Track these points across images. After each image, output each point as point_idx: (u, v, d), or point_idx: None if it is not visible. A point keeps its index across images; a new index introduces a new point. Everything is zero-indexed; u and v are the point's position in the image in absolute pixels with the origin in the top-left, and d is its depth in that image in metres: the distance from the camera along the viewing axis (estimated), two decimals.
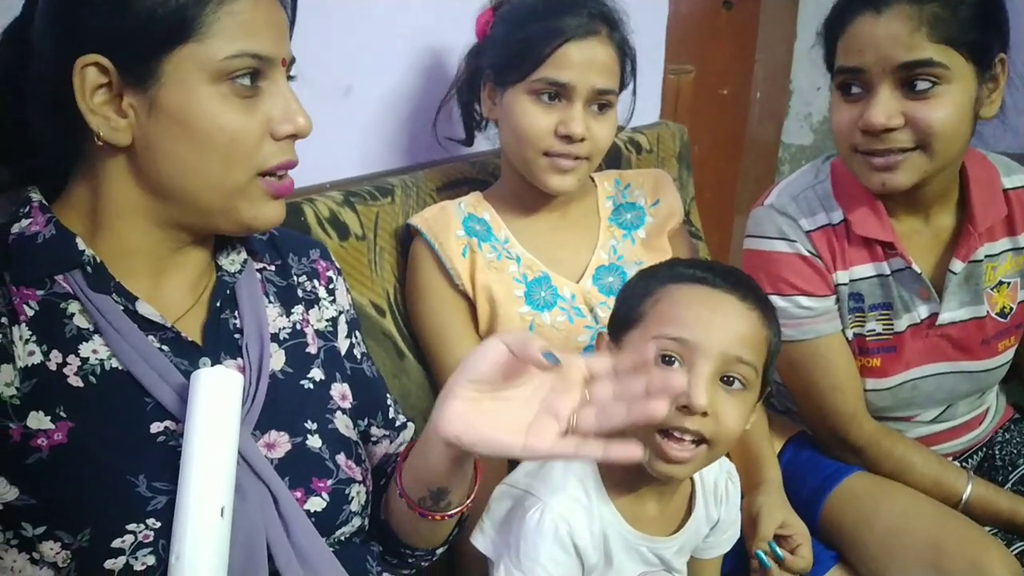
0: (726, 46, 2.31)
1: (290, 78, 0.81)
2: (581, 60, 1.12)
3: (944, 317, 1.16)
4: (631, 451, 0.64)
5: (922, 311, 1.16)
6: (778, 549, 1.04)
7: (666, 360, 0.82)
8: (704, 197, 1.76)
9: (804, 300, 1.14)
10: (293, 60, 0.80)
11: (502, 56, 1.17)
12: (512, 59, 1.15)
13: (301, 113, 0.76)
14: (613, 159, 1.53)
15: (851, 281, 1.15)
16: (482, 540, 0.90)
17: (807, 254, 1.14)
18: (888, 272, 1.15)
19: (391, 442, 0.99)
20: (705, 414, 0.81)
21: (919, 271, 1.13)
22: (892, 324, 1.16)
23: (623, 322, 0.88)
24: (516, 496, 0.89)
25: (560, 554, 0.85)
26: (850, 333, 1.17)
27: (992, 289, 1.17)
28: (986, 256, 1.16)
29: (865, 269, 1.15)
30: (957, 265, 1.13)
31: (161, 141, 0.73)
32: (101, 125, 0.72)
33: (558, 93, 1.13)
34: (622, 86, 1.21)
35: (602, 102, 1.15)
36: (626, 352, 0.84)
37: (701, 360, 0.81)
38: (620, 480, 0.88)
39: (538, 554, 0.84)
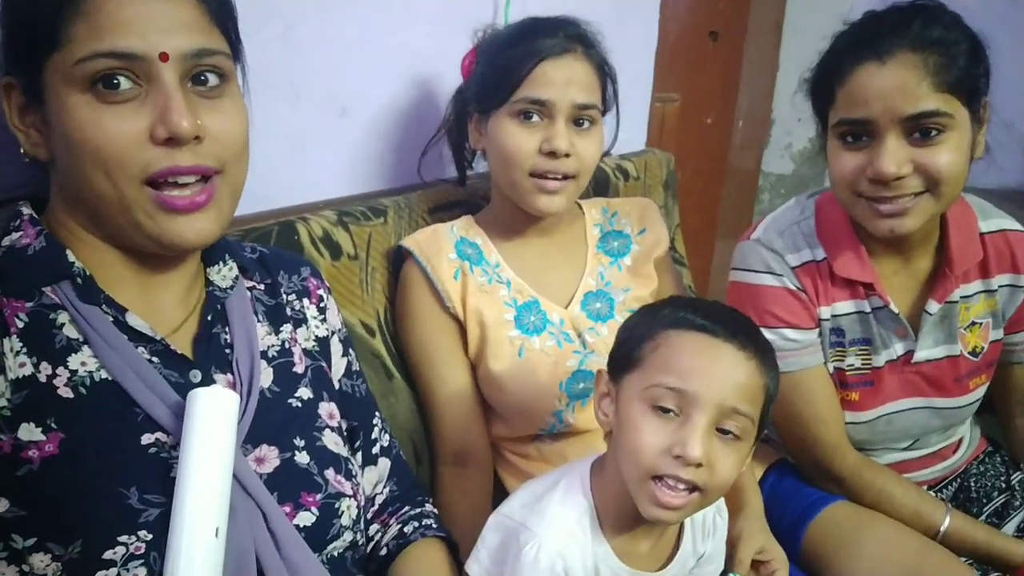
0: (711, 76, 2.35)
1: (212, 71, 0.74)
2: (559, 77, 1.14)
3: (920, 355, 1.18)
4: None
5: (899, 348, 1.19)
6: None
7: (664, 409, 0.82)
8: (687, 223, 1.79)
9: (790, 332, 1.16)
10: (206, 51, 0.73)
11: (484, 83, 1.19)
12: (493, 84, 1.17)
13: (177, 112, 0.70)
14: (601, 186, 1.55)
15: (833, 316, 1.18)
16: (477, 569, 0.90)
17: (793, 288, 1.16)
18: (868, 310, 1.17)
19: (375, 466, 0.99)
20: (700, 464, 0.81)
21: (896, 311, 1.16)
22: (871, 359, 1.19)
23: (623, 363, 0.88)
24: (511, 528, 0.88)
25: None
26: (831, 367, 1.20)
27: (965, 329, 1.20)
28: (961, 297, 1.19)
29: (847, 306, 1.18)
30: (933, 306, 1.16)
31: (58, 156, 0.73)
32: (24, 140, 0.74)
33: (540, 112, 1.15)
34: (605, 106, 1.23)
35: (584, 118, 1.17)
36: (625, 400, 0.85)
37: (698, 412, 0.81)
38: (616, 519, 0.88)
39: None
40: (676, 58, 2.11)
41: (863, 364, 1.19)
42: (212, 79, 0.74)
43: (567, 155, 1.15)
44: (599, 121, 1.20)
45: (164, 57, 0.70)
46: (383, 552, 0.96)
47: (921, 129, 1.02)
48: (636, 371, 0.86)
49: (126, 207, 0.72)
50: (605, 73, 1.21)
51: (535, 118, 1.15)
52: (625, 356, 0.88)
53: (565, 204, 1.19)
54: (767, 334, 1.15)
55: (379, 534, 0.97)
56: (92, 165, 0.71)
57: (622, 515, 0.87)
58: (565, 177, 1.17)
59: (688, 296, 1.12)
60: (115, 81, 0.69)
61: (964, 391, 1.21)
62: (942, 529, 1.13)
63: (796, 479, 1.24)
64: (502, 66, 1.16)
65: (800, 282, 1.16)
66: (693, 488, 0.82)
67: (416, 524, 0.97)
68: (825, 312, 1.17)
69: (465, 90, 1.27)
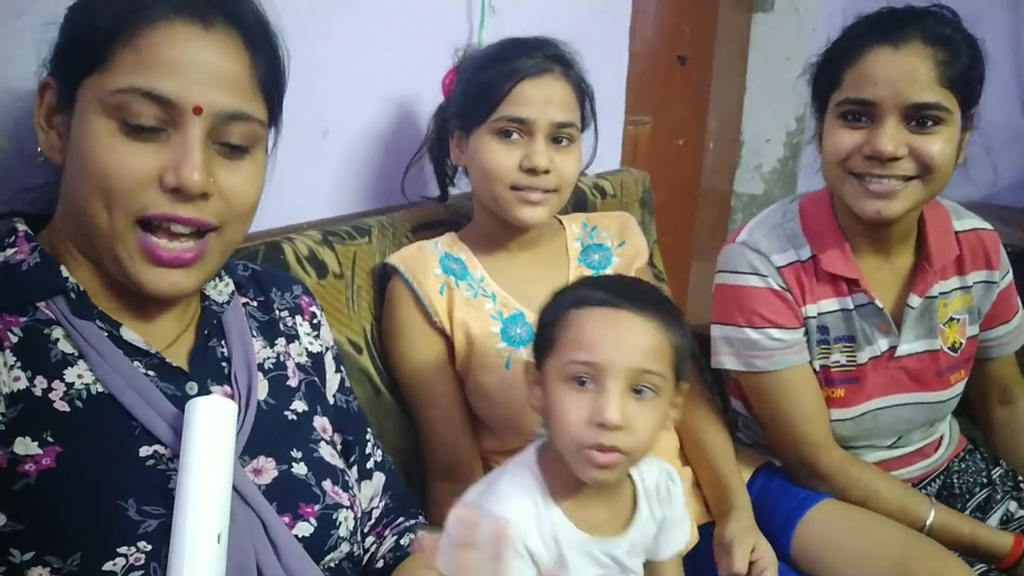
0: (681, 99, 2.40)
1: (230, 145, 0.74)
2: (538, 96, 1.17)
3: (902, 349, 1.21)
4: None
5: (882, 344, 1.22)
6: None
7: (580, 381, 0.88)
8: (662, 243, 1.82)
9: (775, 332, 1.19)
10: (240, 115, 0.73)
11: (465, 102, 1.22)
12: (474, 102, 1.20)
13: (191, 166, 0.70)
14: (579, 203, 1.57)
15: (819, 314, 1.21)
16: (445, 562, 0.90)
17: (778, 288, 1.19)
18: (852, 307, 1.21)
19: (370, 480, 1.00)
20: (620, 427, 0.86)
21: (880, 306, 1.19)
22: (855, 356, 1.21)
23: (542, 348, 0.94)
24: None
25: (514, 560, 0.86)
26: (817, 364, 1.22)
27: (944, 325, 1.23)
28: (939, 293, 1.23)
29: (831, 303, 1.21)
30: (915, 300, 1.19)
31: (68, 167, 0.75)
32: (43, 139, 0.76)
33: (520, 130, 1.17)
34: (584, 124, 1.26)
35: (563, 135, 1.20)
36: (548, 380, 0.91)
37: (610, 379, 0.86)
38: (563, 488, 0.92)
39: None
40: (646, 82, 2.16)
41: (848, 361, 1.21)
42: (239, 143, 0.75)
43: (547, 171, 1.17)
44: (578, 138, 1.23)
45: (197, 111, 0.71)
46: (379, 564, 0.96)
47: (920, 118, 1.07)
48: (553, 353, 0.91)
49: (112, 240, 0.73)
50: (583, 91, 1.24)
51: (515, 136, 1.18)
52: (542, 342, 0.93)
53: (547, 215, 1.22)
54: (753, 334, 1.18)
55: (375, 546, 0.98)
56: (95, 189, 0.71)
57: (568, 483, 0.91)
58: (546, 191, 1.19)
59: (594, 276, 1.15)
60: (146, 120, 0.70)
61: (946, 385, 1.24)
62: (928, 523, 1.15)
63: (784, 480, 1.26)
64: (482, 85, 1.19)
65: (785, 282, 1.19)
66: (619, 451, 0.87)
67: (412, 536, 0.97)
68: (811, 310, 1.20)
69: (446, 108, 1.29)
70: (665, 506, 0.99)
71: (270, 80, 0.78)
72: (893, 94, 1.07)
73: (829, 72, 1.15)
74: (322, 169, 1.33)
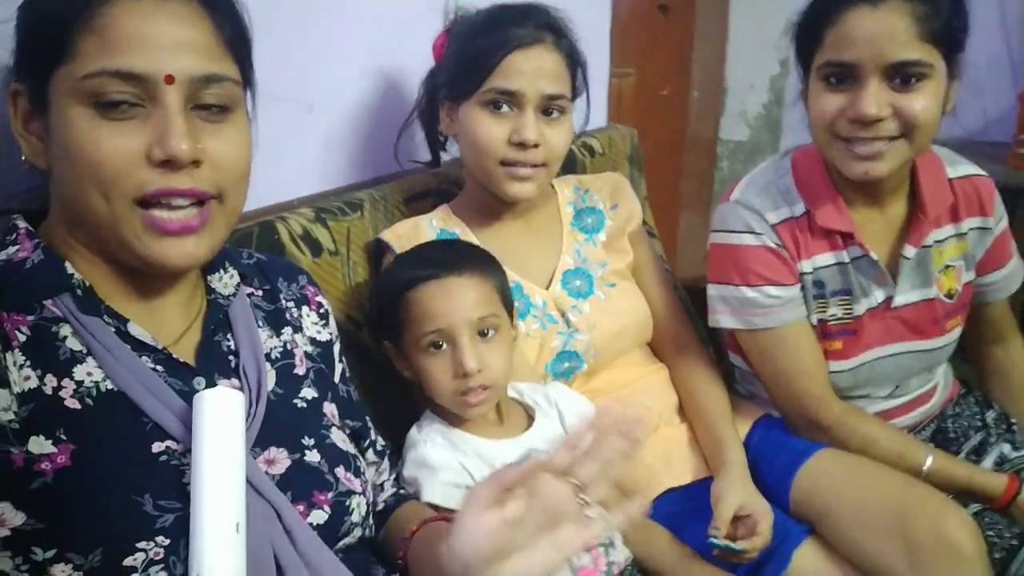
0: (664, 49, 2.37)
1: (210, 109, 0.73)
2: (529, 68, 1.15)
3: (899, 300, 1.22)
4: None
5: (879, 295, 1.23)
6: (733, 545, 1.09)
7: (436, 346, 1.05)
8: (651, 195, 1.82)
9: (772, 290, 1.20)
10: (213, 76, 0.73)
11: (454, 72, 1.20)
12: (463, 73, 1.18)
13: (176, 136, 0.70)
14: (568, 163, 1.56)
15: (814, 269, 1.21)
16: (406, 472, 1.06)
17: (773, 246, 1.19)
18: (847, 260, 1.21)
19: (376, 469, 1.02)
20: (481, 370, 1.03)
21: (876, 258, 1.20)
22: (852, 308, 1.23)
23: (394, 331, 1.09)
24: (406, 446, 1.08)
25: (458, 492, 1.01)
26: (814, 318, 1.23)
27: (940, 272, 1.24)
28: (934, 242, 1.23)
29: (826, 258, 1.21)
30: (910, 251, 1.20)
31: (56, 166, 0.73)
32: (25, 147, 0.75)
33: (509, 102, 1.16)
34: (575, 93, 1.24)
35: (553, 107, 1.18)
36: (410, 354, 1.07)
37: (458, 336, 1.04)
38: (459, 422, 1.09)
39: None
40: (629, 34, 2.13)
41: (844, 314, 1.23)
42: (216, 105, 0.74)
43: (536, 145, 1.16)
44: (568, 110, 1.21)
45: (169, 80, 0.70)
46: (380, 507, 1.00)
47: (902, 76, 1.06)
48: (405, 331, 1.07)
49: (116, 225, 0.72)
50: (575, 61, 1.22)
51: (504, 108, 1.16)
52: (392, 325, 1.09)
53: (536, 190, 1.21)
54: (750, 292, 1.19)
55: (376, 496, 1.01)
56: (87, 180, 0.70)
57: (456, 419, 1.09)
58: (535, 166, 1.18)
59: (410, 251, 1.17)
60: (119, 98, 0.69)
61: (942, 332, 1.26)
62: (925, 469, 1.17)
63: (782, 431, 1.28)
64: (472, 55, 1.17)
65: (780, 239, 1.19)
66: (485, 387, 1.04)
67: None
68: (806, 266, 1.21)
69: (436, 74, 1.27)
70: (559, 405, 1.14)
71: (236, 39, 0.77)
72: (873, 55, 1.06)
73: (810, 33, 1.14)
74: (309, 144, 1.31)
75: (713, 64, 2.62)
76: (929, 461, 1.17)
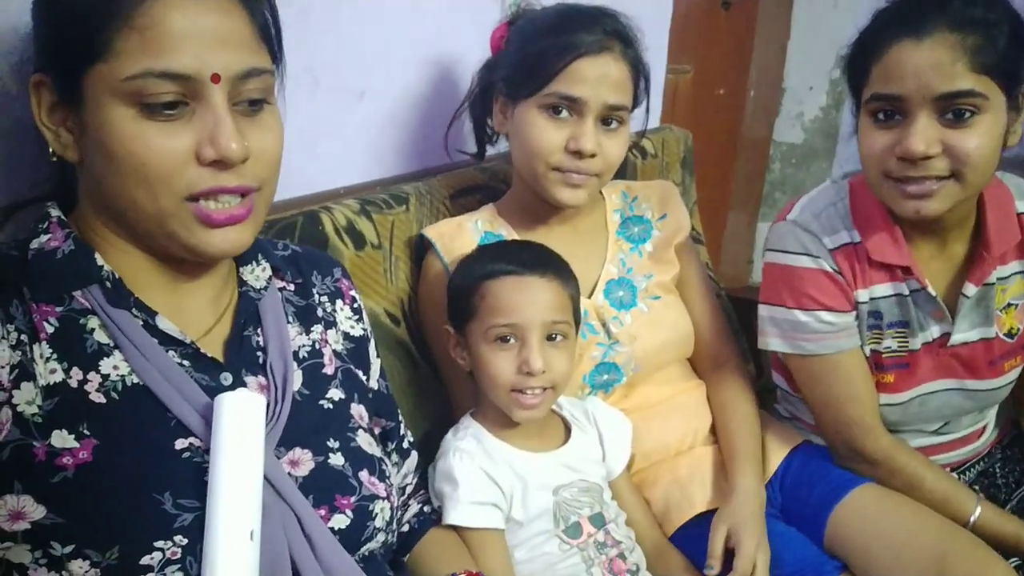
0: (723, 46, 2.31)
1: (248, 102, 0.72)
2: (594, 76, 1.12)
3: (956, 338, 1.18)
4: None
5: (935, 331, 1.18)
6: None
7: (503, 339, 1.04)
8: (699, 194, 1.78)
9: (826, 315, 1.16)
10: (254, 71, 0.72)
11: (515, 70, 1.17)
12: (525, 73, 1.14)
13: (227, 136, 0.69)
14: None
15: (871, 299, 1.17)
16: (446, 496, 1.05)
17: (830, 270, 1.15)
18: (906, 292, 1.17)
19: (398, 470, 1.01)
20: (544, 372, 1.03)
21: (934, 294, 1.15)
22: (907, 342, 1.18)
23: (461, 316, 1.09)
24: (436, 469, 1.07)
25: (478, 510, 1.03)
26: (867, 349, 1.19)
27: (1001, 311, 1.19)
28: (997, 279, 1.18)
29: (885, 288, 1.17)
30: (971, 289, 1.15)
31: (93, 162, 0.72)
32: (53, 140, 0.73)
33: (570, 108, 1.13)
34: (635, 103, 1.20)
35: (613, 118, 1.15)
36: (473, 342, 1.07)
37: (529, 334, 1.04)
38: (499, 429, 1.09)
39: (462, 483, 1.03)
40: (689, 29, 2.07)
41: (899, 347, 1.18)
42: (257, 96, 0.74)
43: (593, 155, 1.13)
44: (627, 121, 1.18)
45: (216, 79, 0.69)
46: (405, 528, 0.99)
47: (954, 110, 1.01)
48: (474, 320, 1.06)
49: (163, 219, 0.71)
50: (639, 71, 1.19)
51: (564, 113, 1.13)
52: (462, 310, 1.08)
53: (587, 198, 1.18)
54: (803, 316, 1.16)
55: (401, 513, 1.00)
56: (134, 179, 0.69)
57: (502, 424, 1.09)
58: (589, 174, 1.15)
59: (494, 244, 1.18)
60: (169, 99, 0.68)
61: (998, 373, 1.21)
62: (972, 519, 1.13)
63: (823, 460, 1.24)
64: (536, 56, 1.13)
65: (837, 264, 1.15)
66: (544, 388, 1.04)
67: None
68: (863, 295, 1.17)
69: (493, 68, 1.24)
70: (598, 421, 1.15)
71: (268, 26, 0.75)
72: (920, 87, 1.01)
73: (857, 66, 1.09)
74: (358, 132, 1.29)
75: (772, 63, 2.55)
76: (978, 512, 1.13)
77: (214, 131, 0.69)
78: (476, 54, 1.28)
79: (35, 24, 0.73)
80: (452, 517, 1.02)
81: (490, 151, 1.35)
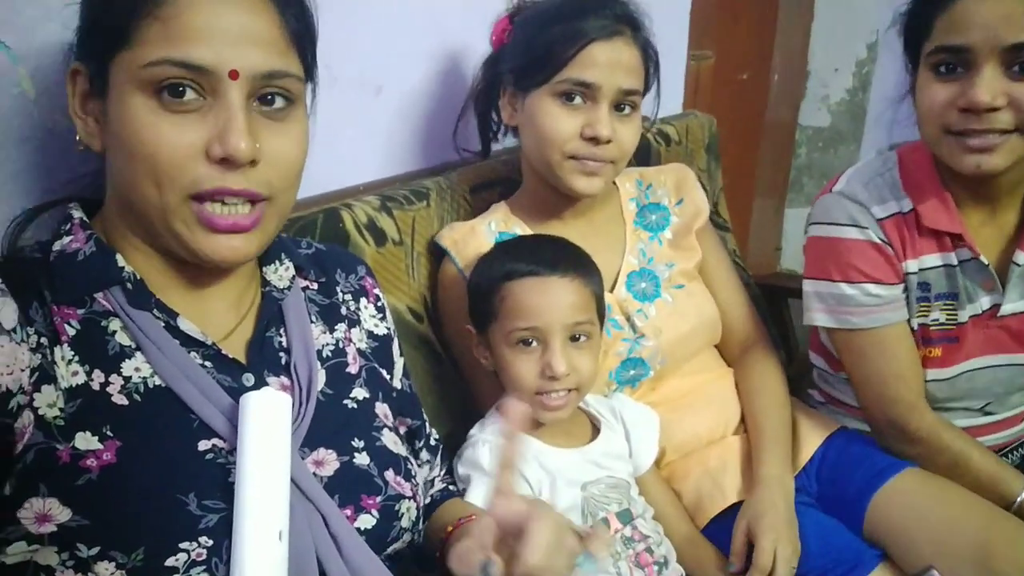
0: (745, 30, 2.27)
1: (279, 94, 0.72)
2: (606, 60, 1.11)
3: (1006, 308, 1.15)
4: None
5: (984, 302, 1.15)
6: None
7: (526, 343, 1.03)
8: (724, 182, 1.75)
9: (873, 288, 1.13)
10: (276, 73, 0.71)
11: (524, 60, 1.15)
12: (535, 62, 1.13)
13: (236, 134, 0.68)
14: (643, 152, 1.51)
15: (920, 270, 1.15)
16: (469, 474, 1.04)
17: (878, 241, 1.13)
18: (956, 263, 1.14)
19: (430, 468, 1.00)
20: (568, 374, 1.01)
21: (986, 262, 1.13)
22: (956, 314, 1.15)
23: (483, 318, 1.07)
24: (464, 459, 1.05)
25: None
26: (915, 322, 1.16)
27: None
28: None
29: (934, 259, 1.14)
30: (1021, 257, 1.12)
31: (111, 151, 0.72)
32: (80, 127, 0.74)
33: (584, 94, 1.11)
34: (646, 88, 1.19)
35: (627, 103, 1.14)
36: (495, 344, 1.05)
37: (551, 337, 1.02)
38: (528, 426, 1.05)
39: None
40: (710, 14, 2.04)
41: (948, 319, 1.16)
42: (279, 102, 0.72)
43: (608, 141, 1.12)
44: (639, 106, 1.17)
45: (234, 75, 0.68)
46: (427, 501, 0.98)
47: (1021, 63, 0.99)
48: (496, 321, 1.05)
49: (167, 216, 0.71)
50: (649, 55, 1.17)
51: (578, 100, 1.12)
52: (483, 312, 1.06)
53: (603, 186, 1.16)
54: (849, 289, 1.14)
55: (425, 491, 0.99)
56: (141, 169, 0.69)
57: (531, 422, 1.06)
58: (604, 161, 1.14)
59: (513, 240, 1.14)
60: (180, 90, 0.68)
61: None
62: (1019, 500, 1.09)
63: (864, 445, 1.21)
64: (546, 43, 1.12)
65: (886, 235, 1.13)
66: (569, 390, 1.03)
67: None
68: (912, 266, 1.14)
69: (498, 61, 1.22)
70: (624, 418, 1.13)
71: (302, 33, 0.74)
72: (988, 37, 0.99)
73: (919, 21, 1.06)
74: (376, 127, 1.28)
75: (796, 46, 2.51)
76: None
77: (224, 127, 0.68)
78: (486, 45, 1.26)
79: (80, 15, 0.74)
80: (478, 496, 1.00)
81: (510, 141, 1.33)
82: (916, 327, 1.17)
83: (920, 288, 1.15)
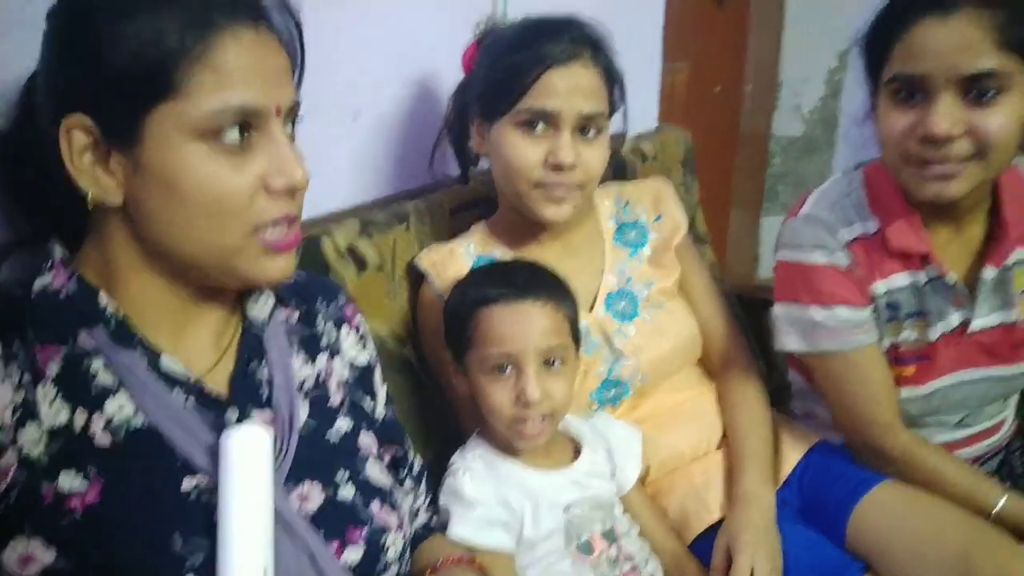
0: (718, 42, 2.30)
1: (295, 120, 0.77)
2: (565, 86, 1.10)
3: (976, 324, 1.16)
4: None
5: (954, 319, 1.16)
6: None
7: (500, 369, 1.02)
8: (701, 194, 1.77)
9: (843, 311, 1.14)
10: (296, 104, 0.76)
11: (486, 89, 1.15)
12: (496, 91, 1.13)
13: (296, 165, 0.73)
14: (619, 168, 1.52)
15: (888, 291, 1.16)
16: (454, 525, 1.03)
17: (845, 265, 1.14)
18: (924, 281, 1.15)
19: (415, 496, 1.01)
20: (542, 401, 1.00)
21: (953, 280, 1.14)
22: (926, 332, 1.17)
23: (459, 345, 1.07)
24: (445, 488, 1.06)
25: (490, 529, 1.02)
26: (886, 342, 1.17)
27: (1021, 294, 1.17)
28: (1016, 262, 1.16)
29: (902, 279, 1.15)
30: (990, 272, 1.14)
31: (149, 201, 0.71)
32: (90, 186, 0.71)
33: (545, 122, 1.11)
34: (612, 109, 1.19)
35: (590, 126, 1.13)
36: (471, 371, 1.05)
37: (525, 362, 1.01)
38: (507, 449, 1.07)
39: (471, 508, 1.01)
40: (684, 26, 2.06)
41: (919, 338, 1.17)
42: (290, 127, 0.77)
43: (573, 167, 1.11)
44: (605, 128, 1.16)
45: (278, 111, 0.72)
46: (411, 534, 0.97)
47: (978, 89, 0.99)
48: (471, 349, 1.04)
49: (227, 253, 0.73)
50: (612, 76, 1.17)
51: (540, 128, 1.12)
52: (458, 339, 1.06)
53: (573, 212, 1.16)
54: (819, 313, 1.15)
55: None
56: (204, 214, 0.70)
57: (510, 447, 1.07)
58: (571, 187, 1.14)
59: (485, 267, 1.14)
60: (238, 133, 0.70)
61: (1021, 358, 1.19)
62: (996, 510, 1.11)
63: (842, 459, 1.22)
64: (505, 73, 1.12)
65: (853, 257, 1.14)
66: (543, 417, 1.02)
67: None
68: (880, 287, 1.15)
69: (467, 89, 1.22)
70: (608, 437, 1.13)
71: (298, 64, 0.79)
72: (945, 67, 0.99)
73: (877, 46, 1.07)
74: (356, 151, 1.29)
75: (768, 57, 2.53)
76: (1002, 502, 1.11)
77: (281, 161, 0.72)
78: (460, 66, 1.27)
79: (73, 67, 0.70)
80: (458, 531, 1.00)
81: (484, 165, 1.34)
82: (888, 347, 1.18)
83: (889, 309, 1.16)
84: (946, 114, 1.00)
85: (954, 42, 0.99)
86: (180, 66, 0.68)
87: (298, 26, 0.78)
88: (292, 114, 0.76)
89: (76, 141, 0.70)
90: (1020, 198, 1.15)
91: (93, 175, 0.71)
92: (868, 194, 1.16)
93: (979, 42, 0.98)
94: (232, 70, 0.69)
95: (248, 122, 0.70)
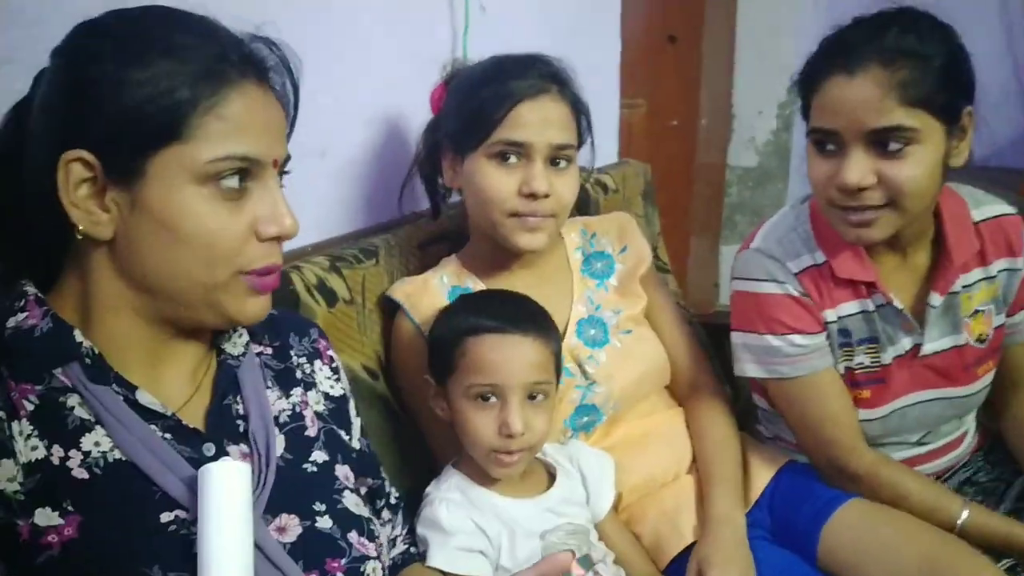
0: (673, 78, 2.37)
1: (284, 173, 0.80)
2: (535, 119, 1.14)
3: (927, 348, 1.20)
4: None
5: (906, 343, 1.20)
6: None
7: (484, 398, 1.03)
8: (661, 224, 1.81)
9: (797, 338, 1.17)
10: (288, 158, 0.79)
11: (458, 125, 1.18)
12: (468, 126, 1.16)
13: (288, 215, 0.76)
14: (582, 201, 1.53)
15: (839, 318, 1.19)
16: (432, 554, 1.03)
17: (797, 294, 1.17)
18: (872, 308, 1.19)
19: (392, 527, 1.01)
20: (523, 433, 1.02)
21: (900, 307, 1.18)
22: (879, 357, 1.20)
23: (442, 370, 1.07)
24: (422, 519, 1.05)
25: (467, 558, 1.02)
26: (841, 367, 1.21)
27: (969, 318, 1.21)
28: (962, 287, 1.20)
29: (851, 306, 1.19)
30: (936, 299, 1.18)
31: (142, 237, 0.72)
32: (82, 219, 0.72)
33: (517, 153, 1.14)
34: (580, 142, 1.22)
35: (561, 157, 1.17)
36: (453, 398, 1.06)
37: (510, 394, 1.02)
38: (482, 479, 1.07)
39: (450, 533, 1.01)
40: (639, 65, 2.13)
41: (872, 362, 1.20)
42: (281, 179, 0.80)
43: (546, 196, 1.14)
44: (575, 159, 1.20)
45: (276, 163, 0.77)
46: (388, 564, 0.97)
47: (886, 141, 1.04)
48: (455, 374, 1.05)
49: (211, 289, 0.75)
50: (579, 110, 1.21)
51: (512, 159, 1.15)
52: (442, 364, 1.07)
53: (547, 240, 1.19)
54: (775, 341, 1.17)
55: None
56: (197, 254, 0.73)
57: (485, 476, 1.07)
58: (544, 216, 1.16)
59: (477, 295, 1.18)
60: (237, 180, 0.73)
61: (973, 379, 1.23)
62: (959, 523, 1.13)
63: (809, 478, 1.25)
64: (477, 107, 1.15)
65: (804, 287, 1.17)
66: (522, 450, 1.03)
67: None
68: (831, 315, 1.19)
69: (436, 127, 1.25)
70: (581, 465, 1.14)
71: (291, 119, 0.83)
72: (852, 121, 1.04)
73: (803, 97, 1.12)
74: (323, 189, 1.30)
75: (721, 91, 2.61)
76: (965, 515, 1.14)
77: (274, 210, 0.75)
78: (425, 103, 1.29)
79: (79, 105, 0.71)
80: (437, 560, 1.00)
81: (455, 197, 1.36)
82: (843, 371, 1.21)
83: (841, 335, 1.20)
84: (856, 166, 1.05)
85: (859, 99, 1.03)
86: (192, 113, 0.71)
87: (295, 87, 0.82)
88: (283, 167, 0.79)
89: (74, 174, 0.71)
90: (961, 227, 1.19)
91: (87, 208, 0.72)
92: (814, 227, 1.20)
93: (881, 99, 1.02)
94: (239, 122, 0.72)
95: (247, 170, 0.73)
